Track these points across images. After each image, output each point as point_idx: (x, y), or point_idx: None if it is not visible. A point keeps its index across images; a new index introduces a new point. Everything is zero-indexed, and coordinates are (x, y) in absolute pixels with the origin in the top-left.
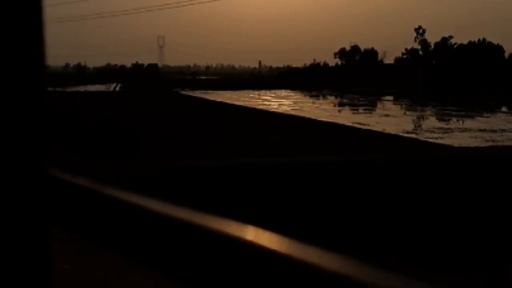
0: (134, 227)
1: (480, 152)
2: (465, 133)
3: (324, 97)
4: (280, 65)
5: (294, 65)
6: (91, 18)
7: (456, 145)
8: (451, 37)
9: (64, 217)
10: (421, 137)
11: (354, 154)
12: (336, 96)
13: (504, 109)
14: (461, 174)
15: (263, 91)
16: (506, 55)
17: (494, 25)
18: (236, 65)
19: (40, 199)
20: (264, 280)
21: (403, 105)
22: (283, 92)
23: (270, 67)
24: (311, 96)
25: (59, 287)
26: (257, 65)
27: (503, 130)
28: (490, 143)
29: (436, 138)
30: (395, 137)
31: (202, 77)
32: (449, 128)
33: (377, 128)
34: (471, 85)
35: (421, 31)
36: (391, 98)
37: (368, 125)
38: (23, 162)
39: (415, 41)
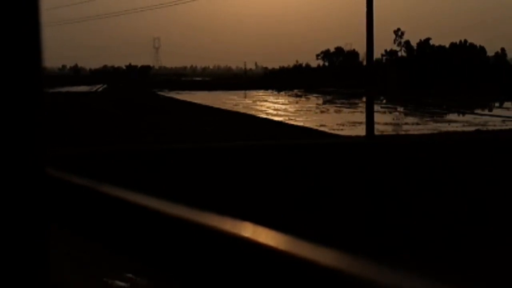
0: (131, 224)
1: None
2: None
3: (288, 96)
4: (276, 66)
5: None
6: (89, 19)
7: (348, 134)
8: (429, 38)
9: (60, 215)
10: (328, 129)
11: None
12: (299, 96)
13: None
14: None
15: (239, 91)
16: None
17: (474, 27)
18: (233, 66)
19: (37, 197)
20: (257, 276)
21: (348, 104)
22: (254, 92)
23: (266, 68)
24: (275, 96)
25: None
26: (253, 66)
27: (406, 124)
28: (379, 133)
29: (340, 130)
30: (306, 129)
31: (198, 78)
32: (360, 122)
33: (300, 123)
34: (446, 85)
35: (399, 33)
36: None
37: (295, 120)
38: (20, 162)
39: (394, 42)
